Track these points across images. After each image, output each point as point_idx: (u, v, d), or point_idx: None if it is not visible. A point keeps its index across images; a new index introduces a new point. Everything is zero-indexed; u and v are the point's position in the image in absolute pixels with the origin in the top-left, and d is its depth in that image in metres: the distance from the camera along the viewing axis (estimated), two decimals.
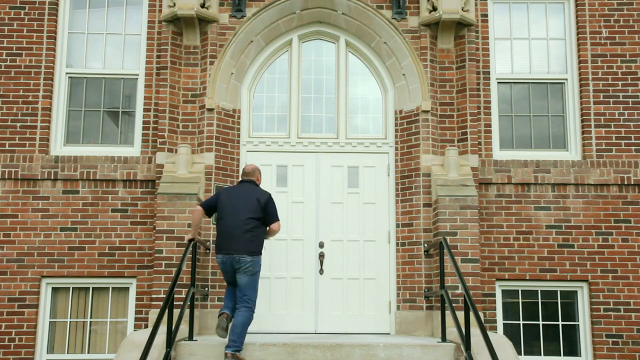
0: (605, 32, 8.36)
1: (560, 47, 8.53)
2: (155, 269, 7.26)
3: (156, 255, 7.28)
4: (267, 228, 6.37)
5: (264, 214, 6.28)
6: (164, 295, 7.03)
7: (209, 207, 6.45)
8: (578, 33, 8.39)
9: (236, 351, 5.93)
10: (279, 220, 6.39)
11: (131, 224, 7.84)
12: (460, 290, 7.08)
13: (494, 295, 7.84)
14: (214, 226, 7.61)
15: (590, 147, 8.15)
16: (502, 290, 7.96)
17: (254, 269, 6.17)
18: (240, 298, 6.16)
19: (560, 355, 7.85)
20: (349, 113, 8.22)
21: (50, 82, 8.15)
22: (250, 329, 7.52)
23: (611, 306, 7.80)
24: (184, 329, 6.48)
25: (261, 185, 7.02)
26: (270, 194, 6.40)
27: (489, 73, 8.33)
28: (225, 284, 6.56)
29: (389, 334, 7.72)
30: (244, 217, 6.19)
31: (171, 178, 7.53)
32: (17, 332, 7.60)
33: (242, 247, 6.12)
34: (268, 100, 8.26)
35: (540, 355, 7.83)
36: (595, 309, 7.80)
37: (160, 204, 7.36)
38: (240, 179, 6.82)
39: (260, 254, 6.23)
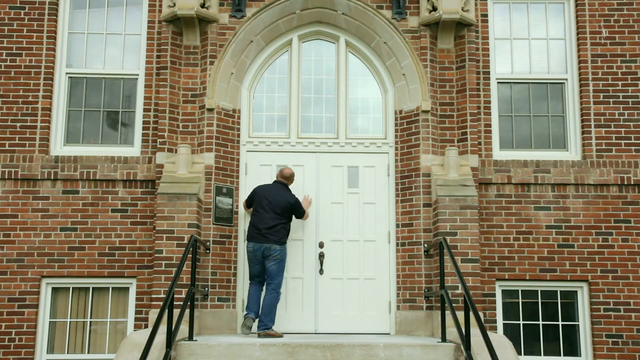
0: (605, 32, 8.37)
1: (560, 47, 8.53)
2: (155, 269, 7.26)
3: (156, 255, 7.28)
4: (301, 219, 7.69)
5: (293, 213, 7.45)
6: (164, 295, 7.04)
7: (249, 202, 7.57)
8: (578, 33, 8.39)
9: (266, 329, 6.94)
10: (305, 212, 7.60)
11: (131, 224, 7.85)
12: (460, 290, 7.08)
13: (494, 295, 7.84)
14: (214, 226, 7.63)
15: (590, 147, 8.15)
16: (502, 290, 7.96)
17: (281, 256, 7.21)
18: (268, 283, 7.19)
19: (560, 355, 7.85)
20: (349, 113, 8.22)
21: (50, 82, 8.15)
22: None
23: (611, 306, 7.80)
24: (184, 329, 6.49)
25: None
26: (297, 198, 7.49)
27: (489, 73, 8.33)
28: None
29: (389, 334, 7.72)
30: (275, 214, 7.25)
31: (171, 178, 7.53)
32: (17, 332, 7.60)
33: (272, 238, 7.18)
34: (268, 100, 8.27)
35: (540, 355, 7.83)
36: (595, 309, 7.80)
37: (160, 204, 7.36)
38: (276, 179, 7.61)
39: (286, 243, 7.33)
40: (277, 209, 7.27)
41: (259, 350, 6.07)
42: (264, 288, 7.28)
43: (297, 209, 7.45)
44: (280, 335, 6.97)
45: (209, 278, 7.54)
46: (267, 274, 7.22)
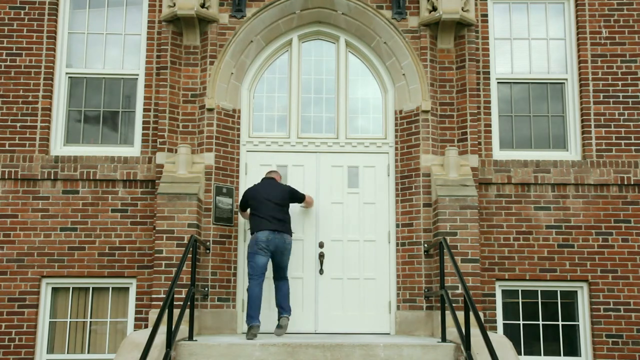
0: (605, 32, 8.37)
1: (560, 47, 8.53)
2: (155, 269, 7.26)
3: (156, 255, 7.28)
4: (304, 204, 7.71)
5: (293, 198, 7.43)
6: (164, 295, 7.04)
7: (243, 206, 7.50)
8: (578, 33, 8.39)
9: (288, 316, 7.19)
10: (305, 196, 7.58)
11: (131, 224, 7.85)
12: (460, 290, 7.08)
13: (494, 295, 7.84)
14: (214, 226, 7.63)
15: (590, 147, 8.15)
16: (502, 290, 7.96)
17: (291, 247, 7.28)
18: (282, 275, 7.28)
19: (560, 355, 7.85)
20: (349, 113, 8.23)
21: (50, 82, 8.15)
22: None
23: (611, 306, 7.80)
24: (184, 329, 6.48)
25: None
26: (289, 186, 7.57)
27: (489, 73, 8.33)
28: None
29: (389, 334, 7.72)
30: (276, 204, 7.19)
31: (171, 178, 7.53)
32: (17, 332, 7.60)
33: (284, 227, 7.16)
34: (268, 101, 8.27)
35: (540, 355, 7.83)
36: (595, 309, 7.80)
37: (160, 204, 7.36)
38: (264, 176, 7.62)
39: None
40: (277, 199, 7.20)
41: (259, 350, 6.07)
42: (276, 282, 7.28)
43: (295, 193, 7.43)
44: None
45: (209, 278, 7.54)
46: (277, 268, 7.24)
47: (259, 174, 8.01)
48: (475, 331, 5.85)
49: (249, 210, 7.42)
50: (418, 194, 7.77)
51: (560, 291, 7.98)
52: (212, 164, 7.75)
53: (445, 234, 7.32)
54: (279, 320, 7.15)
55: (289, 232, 7.22)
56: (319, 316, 7.79)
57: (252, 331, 6.73)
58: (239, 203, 7.66)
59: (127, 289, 7.86)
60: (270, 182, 7.41)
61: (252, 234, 7.18)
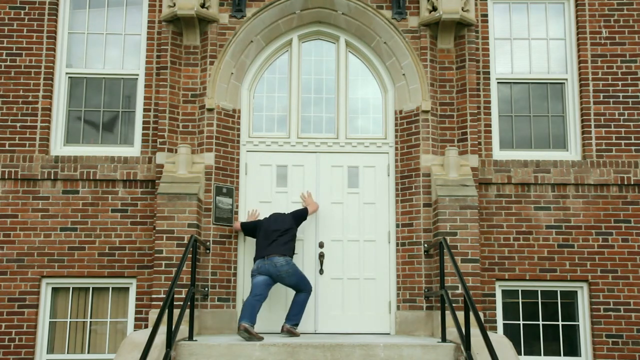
0: (605, 32, 8.37)
1: (560, 47, 8.53)
2: (155, 269, 7.26)
3: (156, 255, 7.28)
4: (310, 212, 7.63)
5: (298, 220, 7.48)
6: (164, 295, 7.04)
7: (247, 228, 7.56)
8: (578, 33, 8.39)
9: (294, 325, 7.01)
10: (307, 208, 7.60)
11: (131, 224, 7.85)
12: (460, 290, 7.08)
13: (494, 295, 7.84)
14: (214, 226, 7.63)
15: (590, 147, 8.15)
16: (502, 290, 7.96)
17: (288, 268, 7.04)
18: (298, 291, 7.18)
19: (560, 355, 7.85)
20: (349, 113, 8.23)
21: (50, 82, 8.15)
22: None
23: (611, 306, 7.80)
24: (184, 329, 6.49)
25: (261, 185, 8.01)
26: (291, 212, 7.59)
27: (489, 73, 8.33)
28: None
29: (388, 334, 7.72)
30: (278, 232, 7.20)
31: (171, 178, 7.53)
32: (17, 332, 7.60)
33: (274, 251, 7.08)
34: (268, 101, 8.27)
35: (540, 355, 7.83)
36: (595, 309, 7.80)
37: (160, 204, 7.36)
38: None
39: (292, 257, 7.28)
40: (282, 228, 7.26)
41: (259, 350, 6.07)
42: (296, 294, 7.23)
43: (297, 213, 7.50)
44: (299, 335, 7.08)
45: (209, 278, 7.54)
46: (294, 289, 7.20)
47: (259, 174, 8.01)
48: (475, 331, 5.86)
49: (250, 234, 7.58)
50: (418, 194, 7.77)
51: (560, 291, 7.98)
52: (212, 164, 7.75)
53: (445, 234, 7.32)
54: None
55: (283, 254, 7.07)
56: (319, 316, 7.79)
57: (240, 329, 6.45)
58: (241, 222, 7.67)
59: (127, 289, 7.86)
60: (275, 215, 7.49)
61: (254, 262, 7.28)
